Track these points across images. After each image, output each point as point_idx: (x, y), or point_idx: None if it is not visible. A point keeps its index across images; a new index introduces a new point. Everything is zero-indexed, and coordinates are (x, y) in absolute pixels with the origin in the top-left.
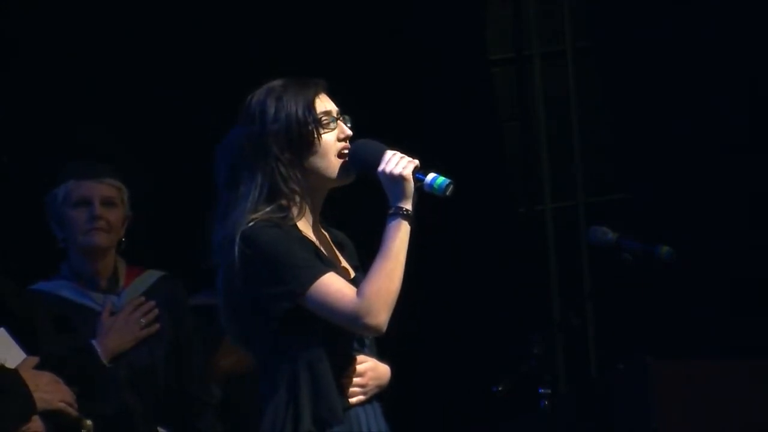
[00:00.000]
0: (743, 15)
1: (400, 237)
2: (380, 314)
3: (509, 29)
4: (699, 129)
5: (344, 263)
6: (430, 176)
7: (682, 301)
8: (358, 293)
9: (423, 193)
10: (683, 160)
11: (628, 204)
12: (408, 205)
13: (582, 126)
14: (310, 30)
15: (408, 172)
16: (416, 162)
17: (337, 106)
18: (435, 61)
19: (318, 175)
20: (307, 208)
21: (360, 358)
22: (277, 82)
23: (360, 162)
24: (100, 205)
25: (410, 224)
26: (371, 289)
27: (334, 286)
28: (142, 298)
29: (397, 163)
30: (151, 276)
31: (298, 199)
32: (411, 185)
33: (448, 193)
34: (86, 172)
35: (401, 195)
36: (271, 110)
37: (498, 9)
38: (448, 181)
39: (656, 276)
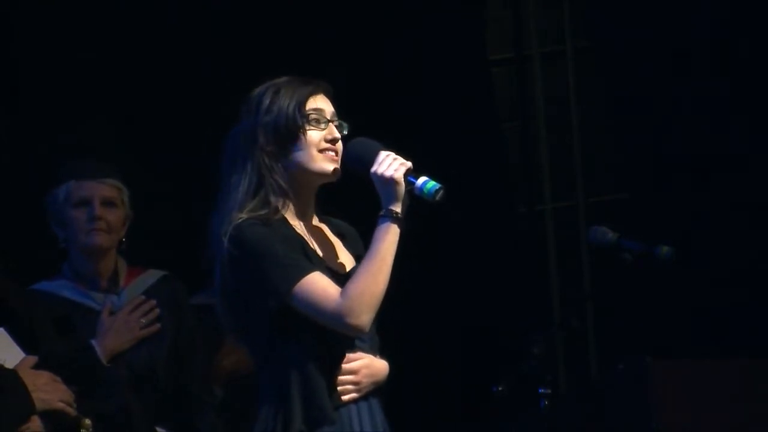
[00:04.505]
0: (744, 15)
1: (388, 239)
2: (362, 315)
3: (509, 29)
4: (699, 129)
5: (341, 256)
6: (421, 180)
7: (682, 301)
8: (342, 293)
9: (414, 197)
10: (683, 159)
11: (628, 204)
12: (398, 208)
13: (582, 126)
14: (310, 30)
15: (399, 175)
16: (409, 164)
17: (338, 105)
18: (435, 61)
19: (300, 169)
20: (293, 201)
21: (353, 355)
22: (281, 79)
23: (354, 160)
24: (100, 205)
25: (400, 227)
26: (355, 289)
27: (318, 285)
28: (142, 298)
29: (389, 165)
30: (152, 276)
31: (282, 191)
32: (402, 188)
33: (437, 198)
34: (86, 172)
35: (392, 197)
36: (266, 103)
37: (498, 9)
38: (438, 186)
39: (656, 276)
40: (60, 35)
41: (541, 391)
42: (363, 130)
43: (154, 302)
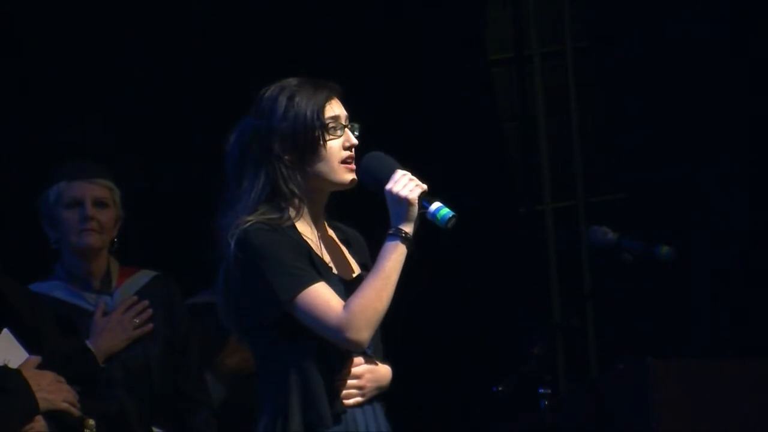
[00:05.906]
0: (742, 14)
1: (394, 258)
2: (362, 331)
3: (509, 29)
4: (699, 128)
5: (348, 263)
6: (435, 205)
7: (682, 301)
8: (345, 307)
9: (425, 220)
10: (683, 159)
11: (628, 204)
12: (408, 229)
13: (582, 126)
14: (309, 30)
15: (414, 197)
16: (424, 187)
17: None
18: (435, 61)
19: (319, 179)
20: (307, 209)
21: (356, 360)
22: (292, 81)
23: (369, 176)
24: (92, 205)
25: (408, 248)
26: (357, 305)
27: (321, 297)
28: (135, 298)
29: (404, 185)
30: (144, 276)
31: (297, 200)
32: (415, 210)
33: (449, 226)
34: (78, 172)
35: (404, 217)
36: (281, 109)
37: (498, 9)
38: (451, 213)
39: (656, 276)
40: (60, 35)
41: (541, 391)
42: (363, 131)
43: (146, 302)
